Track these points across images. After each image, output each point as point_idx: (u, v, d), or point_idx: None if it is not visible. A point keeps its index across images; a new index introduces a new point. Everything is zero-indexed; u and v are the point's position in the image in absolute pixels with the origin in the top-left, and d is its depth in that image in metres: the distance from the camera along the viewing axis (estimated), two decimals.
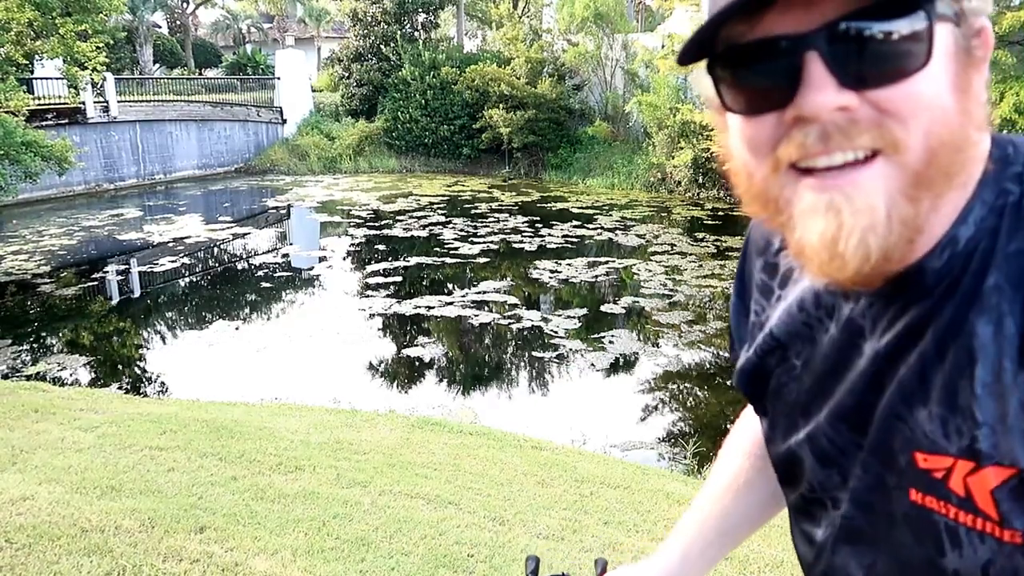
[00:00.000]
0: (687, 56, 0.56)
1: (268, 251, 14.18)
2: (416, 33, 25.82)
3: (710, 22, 0.53)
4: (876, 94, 0.51)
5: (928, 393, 0.55)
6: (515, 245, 13.59)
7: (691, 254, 12.81)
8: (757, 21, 0.53)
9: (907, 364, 0.57)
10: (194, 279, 12.33)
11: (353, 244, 14.36)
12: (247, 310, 10.49)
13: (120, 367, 8.28)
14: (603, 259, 12.54)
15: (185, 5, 36.55)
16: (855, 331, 0.61)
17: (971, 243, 0.55)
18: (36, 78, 18.59)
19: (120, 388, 7.44)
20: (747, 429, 0.94)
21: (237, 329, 9.36)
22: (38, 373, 7.59)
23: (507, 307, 9.89)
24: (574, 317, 9.45)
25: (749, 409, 0.91)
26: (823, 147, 0.52)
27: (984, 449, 0.51)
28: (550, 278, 11.31)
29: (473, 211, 17.09)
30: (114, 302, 11.01)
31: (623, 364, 7.98)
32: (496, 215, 16.50)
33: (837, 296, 0.63)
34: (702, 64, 0.57)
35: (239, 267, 13.29)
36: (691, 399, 7.36)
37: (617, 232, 14.68)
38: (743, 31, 0.54)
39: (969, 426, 0.52)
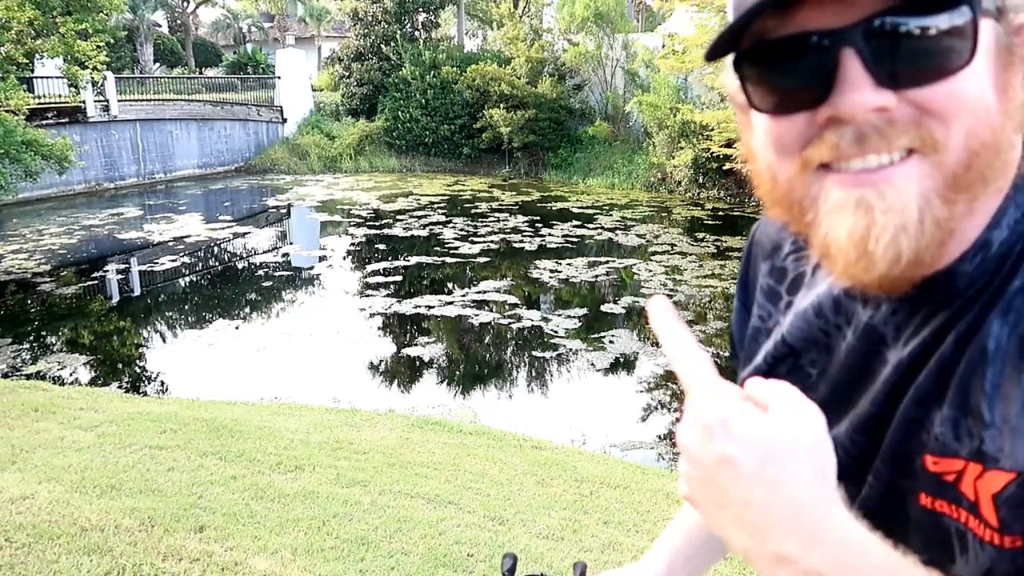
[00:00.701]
0: (716, 51, 0.53)
1: (268, 250, 14.18)
2: (417, 32, 25.82)
3: (742, 16, 0.50)
4: (916, 93, 0.49)
5: (944, 396, 0.53)
6: (515, 245, 13.59)
7: (691, 254, 12.80)
8: (790, 15, 0.50)
9: (927, 369, 0.54)
10: (194, 278, 12.33)
11: (353, 243, 14.36)
12: (247, 309, 10.48)
13: (120, 366, 8.28)
14: (603, 259, 12.53)
15: (186, 4, 36.54)
16: (876, 339, 0.59)
17: (1004, 247, 0.52)
18: (36, 77, 18.55)
19: (120, 387, 7.44)
20: None
21: (237, 328, 9.36)
22: (38, 372, 7.58)
23: (507, 307, 9.88)
24: (574, 317, 9.45)
25: None
26: (858, 149, 0.50)
27: (990, 451, 0.49)
28: (550, 278, 11.31)
29: (473, 211, 17.08)
30: (114, 301, 11.00)
31: (623, 364, 7.98)
32: (496, 215, 16.49)
33: (855, 301, 0.61)
34: (726, 61, 0.55)
35: (239, 266, 13.29)
36: None
37: (617, 232, 14.67)
38: (775, 26, 0.51)
39: (978, 428, 0.50)
